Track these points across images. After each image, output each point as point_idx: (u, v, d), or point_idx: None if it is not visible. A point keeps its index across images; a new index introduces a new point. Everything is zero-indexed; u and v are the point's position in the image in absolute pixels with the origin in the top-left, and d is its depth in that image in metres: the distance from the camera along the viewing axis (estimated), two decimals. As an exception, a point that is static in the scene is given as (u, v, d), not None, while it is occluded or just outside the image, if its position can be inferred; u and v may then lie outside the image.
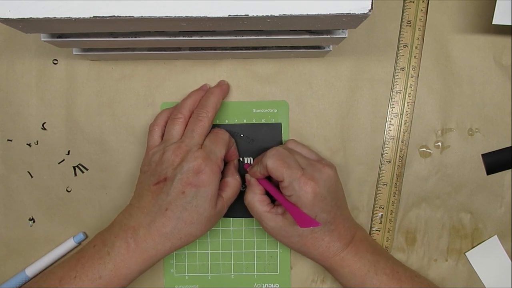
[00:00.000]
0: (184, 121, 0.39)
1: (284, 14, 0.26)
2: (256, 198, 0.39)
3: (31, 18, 0.26)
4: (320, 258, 0.39)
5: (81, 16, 0.26)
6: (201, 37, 0.33)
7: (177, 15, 0.26)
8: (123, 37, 0.32)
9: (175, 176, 0.36)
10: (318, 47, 0.39)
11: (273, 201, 0.40)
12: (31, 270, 0.43)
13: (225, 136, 0.40)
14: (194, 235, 0.37)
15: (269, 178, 0.40)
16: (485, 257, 0.44)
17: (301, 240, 0.38)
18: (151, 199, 0.37)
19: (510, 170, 0.44)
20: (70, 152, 0.44)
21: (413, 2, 0.43)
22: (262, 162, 0.38)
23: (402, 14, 0.43)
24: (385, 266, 0.39)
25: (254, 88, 0.44)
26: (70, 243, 0.43)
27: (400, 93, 0.43)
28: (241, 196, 0.44)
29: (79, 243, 0.44)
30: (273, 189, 0.39)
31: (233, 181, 0.40)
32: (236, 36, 0.33)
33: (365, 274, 0.38)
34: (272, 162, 0.37)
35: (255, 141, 0.43)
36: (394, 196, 0.44)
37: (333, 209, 0.38)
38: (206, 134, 0.39)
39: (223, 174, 0.40)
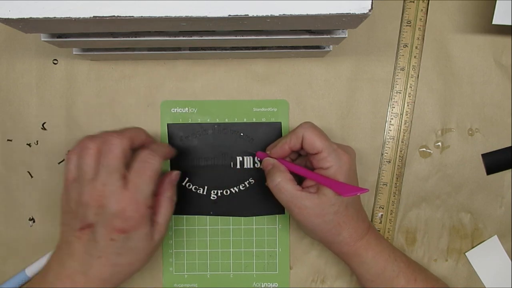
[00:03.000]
0: (97, 153, 0.33)
1: (284, 14, 0.26)
2: (287, 177, 0.36)
3: (31, 18, 0.26)
4: (348, 241, 0.37)
5: (81, 16, 0.26)
6: (201, 37, 0.33)
7: (177, 15, 0.26)
8: (123, 37, 0.32)
9: (98, 222, 0.33)
10: (318, 47, 0.39)
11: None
12: (31, 270, 0.43)
13: (155, 163, 0.34)
14: (137, 270, 0.36)
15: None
16: (485, 257, 0.44)
17: (335, 218, 0.36)
18: (81, 246, 0.33)
19: (510, 170, 0.44)
20: (70, 152, 0.44)
21: (413, 2, 0.43)
22: (296, 134, 0.37)
23: (402, 14, 0.43)
24: (401, 254, 0.39)
25: (254, 88, 0.44)
26: None
27: (400, 93, 0.43)
28: (239, 196, 0.44)
29: None
30: (300, 168, 0.38)
31: (165, 201, 0.37)
32: (236, 36, 0.33)
33: (386, 259, 0.38)
34: (311, 132, 0.36)
35: (254, 140, 0.43)
36: (394, 196, 0.44)
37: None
38: (124, 163, 0.34)
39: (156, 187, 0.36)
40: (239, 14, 0.26)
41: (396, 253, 0.39)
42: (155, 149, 0.36)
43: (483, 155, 0.44)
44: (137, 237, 0.34)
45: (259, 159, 0.41)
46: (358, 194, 0.35)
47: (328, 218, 0.36)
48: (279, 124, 0.43)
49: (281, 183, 0.36)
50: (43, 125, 0.44)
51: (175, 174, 0.39)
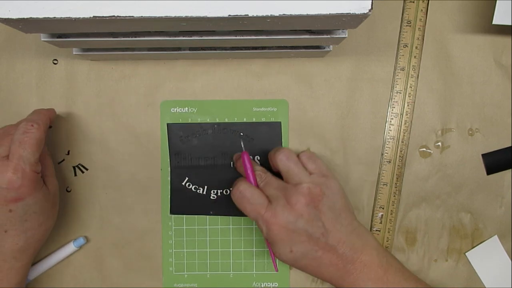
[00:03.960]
0: None
1: (284, 14, 0.26)
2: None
3: (31, 18, 0.26)
4: (333, 281, 0.37)
5: (81, 16, 0.26)
6: (201, 37, 0.33)
7: (177, 15, 0.26)
8: (123, 37, 0.32)
9: None
10: (318, 47, 0.39)
11: None
12: (31, 273, 0.43)
13: (35, 131, 0.35)
14: (51, 226, 0.38)
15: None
16: (485, 257, 0.44)
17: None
18: None
19: (510, 170, 0.44)
20: (70, 152, 0.44)
21: (413, 2, 0.43)
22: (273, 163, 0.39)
23: (402, 14, 0.43)
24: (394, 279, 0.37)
25: (254, 87, 0.44)
26: (70, 248, 0.43)
27: (400, 93, 0.43)
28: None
29: (80, 247, 0.44)
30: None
31: (45, 155, 0.39)
32: (236, 36, 0.33)
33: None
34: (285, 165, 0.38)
35: (254, 140, 0.43)
36: (394, 196, 0.44)
37: (313, 236, 0.36)
38: (6, 138, 0.35)
39: None
40: (239, 14, 0.26)
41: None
42: (33, 118, 0.36)
43: (483, 155, 0.44)
44: (34, 200, 0.35)
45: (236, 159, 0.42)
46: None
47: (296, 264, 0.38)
48: (279, 124, 0.43)
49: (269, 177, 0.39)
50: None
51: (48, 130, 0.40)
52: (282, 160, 0.38)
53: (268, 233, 0.36)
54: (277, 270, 0.35)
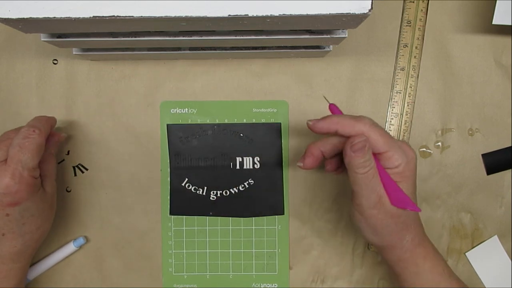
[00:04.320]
0: None
1: (284, 14, 0.26)
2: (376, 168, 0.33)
3: (31, 18, 0.26)
4: (410, 246, 0.34)
5: (81, 16, 0.26)
6: (201, 37, 0.33)
7: (177, 15, 0.26)
8: (123, 37, 0.32)
9: None
10: (318, 47, 0.39)
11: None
12: (31, 273, 0.43)
13: (36, 137, 0.35)
14: (48, 228, 0.38)
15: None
16: (485, 257, 0.44)
17: (405, 219, 0.34)
18: None
19: (510, 170, 0.44)
20: (70, 152, 0.44)
21: (413, 2, 0.43)
22: (354, 128, 0.32)
23: (402, 14, 0.43)
24: (452, 271, 0.36)
25: (254, 88, 0.44)
26: (70, 248, 0.43)
27: (400, 93, 0.43)
28: (238, 196, 0.44)
29: (80, 247, 0.44)
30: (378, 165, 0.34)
31: (48, 156, 0.39)
32: (236, 36, 0.33)
33: (441, 274, 0.35)
34: (371, 128, 0.32)
35: (254, 141, 0.43)
36: (394, 196, 0.44)
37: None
38: (5, 142, 0.35)
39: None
40: (239, 14, 0.26)
41: (449, 268, 0.36)
42: (35, 124, 0.36)
43: (483, 155, 0.44)
44: (31, 204, 0.35)
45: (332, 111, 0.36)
46: (410, 209, 0.32)
47: (399, 219, 0.33)
48: (278, 125, 0.43)
49: (371, 171, 0.32)
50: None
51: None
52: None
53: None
54: (397, 205, 0.32)
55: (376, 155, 0.33)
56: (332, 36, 0.33)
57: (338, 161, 0.37)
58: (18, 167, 0.33)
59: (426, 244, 0.36)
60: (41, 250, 0.44)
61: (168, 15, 0.26)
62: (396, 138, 0.43)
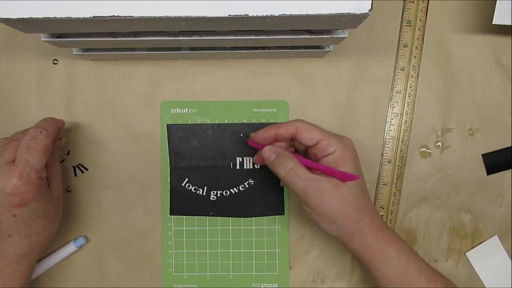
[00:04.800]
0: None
1: (284, 14, 0.26)
2: (297, 163, 0.34)
3: (31, 18, 0.26)
4: (370, 229, 0.35)
5: (81, 16, 0.26)
6: (201, 37, 0.33)
7: (177, 15, 0.26)
8: (123, 37, 0.32)
9: None
10: (318, 47, 0.39)
11: None
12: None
13: (43, 138, 0.35)
14: (55, 229, 0.38)
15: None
16: (485, 257, 0.44)
17: (355, 202, 0.34)
18: None
19: (510, 170, 0.44)
20: (70, 152, 0.44)
21: (413, 2, 0.43)
22: (287, 124, 0.35)
23: (402, 14, 0.43)
24: (417, 253, 0.37)
25: (254, 88, 0.44)
26: (70, 248, 0.43)
27: (400, 93, 0.43)
28: (238, 196, 0.44)
29: (80, 247, 0.44)
30: (302, 158, 0.36)
31: (53, 160, 0.38)
32: (236, 36, 0.33)
33: (407, 257, 0.35)
34: (305, 124, 0.35)
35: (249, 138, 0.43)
36: (394, 196, 0.44)
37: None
38: (13, 143, 0.35)
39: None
40: (239, 14, 0.26)
41: (414, 251, 0.36)
42: (42, 125, 0.36)
43: (483, 155, 0.44)
44: (38, 205, 0.35)
45: (250, 145, 0.39)
46: (354, 180, 0.34)
47: (348, 201, 0.34)
48: (279, 124, 0.43)
49: (295, 168, 0.34)
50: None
51: (63, 141, 0.41)
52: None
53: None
54: (346, 180, 0.33)
55: (313, 147, 0.35)
56: (332, 36, 0.33)
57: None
58: (26, 168, 0.33)
59: (387, 229, 0.36)
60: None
61: (168, 15, 0.26)
62: (396, 138, 0.44)
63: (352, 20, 0.28)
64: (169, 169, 0.44)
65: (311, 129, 0.35)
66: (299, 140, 0.36)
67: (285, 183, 0.35)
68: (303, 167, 0.34)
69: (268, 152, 0.36)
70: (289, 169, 0.34)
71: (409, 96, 0.43)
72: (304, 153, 0.39)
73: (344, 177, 0.34)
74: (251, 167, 0.44)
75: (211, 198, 0.44)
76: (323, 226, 0.36)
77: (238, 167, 0.43)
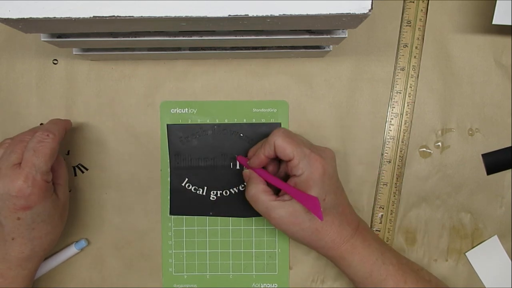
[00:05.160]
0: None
1: (284, 14, 0.26)
2: (260, 189, 0.37)
3: (31, 18, 0.26)
4: (331, 245, 0.37)
5: (81, 16, 0.26)
6: (201, 37, 0.33)
7: (177, 15, 0.26)
8: (123, 37, 0.32)
9: (0, 207, 0.34)
10: (318, 47, 0.39)
11: (275, 192, 0.39)
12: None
13: (50, 141, 0.35)
14: (58, 235, 0.38)
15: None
16: (485, 257, 0.44)
17: (312, 225, 0.36)
18: None
19: (510, 170, 0.44)
20: (70, 152, 0.44)
21: (413, 2, 0.43)
22: (268, 142, 0.37)
23: (402, 14, 0.43)
24: (391, 256, 0.38)
25: (254, 88, 0.44)
26: (71, 250, 0.43)
27: (400, 93, 0.43)
28: (238, 196, 0.44)
29: (81, 250, 0.44)
30: (275, 178, 0.38)
31: (59, 163, 0.38)
32: (236, 36, 0.33)
33: (373, 263, 0.37)
34: (282, 140, 0.36)
35: (254, 141, 0.43)
36: (394, 196, 0.44)
37: (339, 190, 0.38)
38: (19, 145, 0.35)
39: None
40: (239, 14, 0.26)
41: (385, 255, 0.38)
42: (49, 128, 0.36)
43: (483, 155, 0.44)
44: (43, 209, 0.35)
45: (239, 163, 0.42)
46: (313, 213, 0.34)
47: (304, 225, 0.36)
48: (278, 125, 0.43)
49: (255, 194, 0.37)
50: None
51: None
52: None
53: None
54: (310, 209, 0.35)
55: (287, 163, 0.37)
56: (332, 36, 0.33)
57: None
58: (32, 171, 0.33)
59: (354, 240, 0.37)
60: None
61: (168, 15, 0.26)
62: (396, 138, 0.44)
63: (352, 20, 0.28)
64: (169, 169, 0.44)
65: (285, 145, 0.36)
66: (276, 154, 0.37)
67: (251, 204, 0.38)
68: (265, 193, 0.37)
69: (244, 175, 0.40)
70: (252, 194, 0.37)
71: (409, 96, 0.43)
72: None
73: (306, 204, 0.35)
74: (251, 167, 0.44)
75: (211, 198, 0.44)
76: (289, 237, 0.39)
77: (238, 167, 0.43)
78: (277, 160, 0.40)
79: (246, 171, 0.40)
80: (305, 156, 0.36)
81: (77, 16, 0.26)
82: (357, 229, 0.38)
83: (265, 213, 0.37)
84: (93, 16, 0.26)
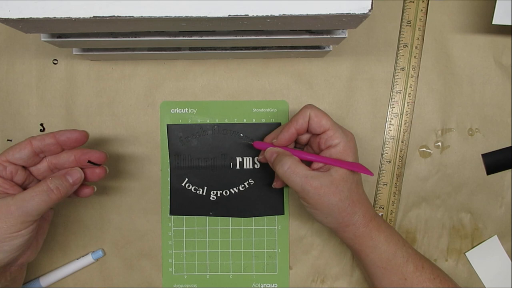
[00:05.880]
0: None
1: (284, 14, 0.26)
2: (295, 160, 0.36)
3: (31, 18, 0.26)
4: (362, 221, 0.36)
5: (81, 16, 0.26)
6: (201, 37, 0.33)
7: (177, 15, 0.26)
8: (123, 37, 0.32)
9: None
10: (318, 47, 0.39)
11: None
12: (45, 281, 0.43)
13: (54, 199, 0.34)
14: (18, 249, 0.35)
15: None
16: (485, 257, 0.44)
17: (350, 195, 0.36)
18: None
19: (510, 170, 0.44)
20: (70, 152, 0.44)
21: (413, 2, 0.43)
22: (302, 114, 0.36)
23: (402, 14, 0.43)
24: (406, 241, 0.38)
25: (254, 88, 0.44)
26: (88, 259, 0.44)
27: (400, 93, 0.43)
28: (238, 196, 0.44)
29: (97, 260, 0.44)
30: (306, 153, 0.37)
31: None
32: (236, 36, 0.33)
33: (396, 242, 0.37)
34: (316, 111, 0.36)
35: (254, 141, 0.43)
36: (394, 196, 0.44)
37: None
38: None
39: None
40: (239, 14, 0.26)
41: (403, 238, 0.38)
42: (57, 184, 0.35)
43: (483, 155, 0.44)
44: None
45: (256, 148, 0.40)
46: (364, 173, 0.36)
47: (343, 195, 0.35)
48: (278, 125, 0.43)
49: (292, 166, 0.35)
50: (41, 125, 0.44)
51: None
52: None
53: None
54: (357, 170, 0.36)
55: (318, 136, 0.37)
56: (332, 36, 0.34)
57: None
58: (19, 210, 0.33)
59: (378, 219, 0.38)
60: (41, 249, 0.44)
61: (168, 15, 0.26)
62: (396, 138, 0.44)
63: (352, 20, 0.28)
64: (169, 169, 0.44)
65: (321, 115, 0.36)
66: (309, 127, 0.37)
67: (284, 180, 0.36)
68: (301, 165, 0.36)
69: (269, 153, 0.38)
70: (287, 167, 0.36)
71: (409, 96, 0.43)
72: (302, 147, 0.41)
73: (353, 168, 0.36)
74: (251, 167, 0.44)
75: (211, 198, 0.44)
76: (319, 218, 0.37)
77: (238, 167, 0.43)
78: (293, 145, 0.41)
79: (272, 149, 0.38)
80: (339, 127, 0.36)
81: (77, 16, 0.26)
82: (375, 210, 0.39)
83: (304, 184, 0.35)
84: (93, 16, 0.26)
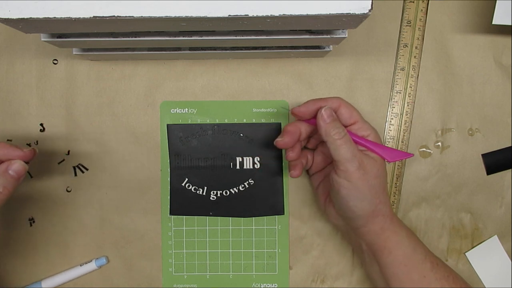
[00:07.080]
0: None
1: (284, 14, 0.26)
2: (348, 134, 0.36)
3: (31, 18, 0.26)
4: (389, 213, 0.36)
5: (81, 16, 0.26)
6: (201, 37, 0.33)
7: (177, 15, 0.26)
8: (123, 37, 0.32)
9: None
10: (318, 47, 0.39)
11: None
12: (47, 283, 0.43)
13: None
14: None
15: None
16: (485, 257, 0.44)
17: (384, 182, 0.36)
18: None
19: (510, 170, 0.44)
20: (70, 152, 0.44)
21: (413, 2, 0.43)
22: (332, 100, 0.37)
23: (402, 14, 0.43)
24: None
25: (254, 88, 0.44)
26: (91, 266, 0.44)
27: (400, 93, 0.43)
28: (238, 196, 0.44)
29: (100, 267, 0.44)
30: (351, 132, 0.37)
31: None
32: (236, 36, 0.33)
33: (415, 240, 0.37)
34: (347, 103, 0.37)
35: (254, 141, 0.43)
36: (394, 196, 0.44)
37: None
38: None
39: None
40: (239, 14, 0.26)
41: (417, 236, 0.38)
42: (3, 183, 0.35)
43: (483, 155, 0.44)
44: None
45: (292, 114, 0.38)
46: (405, 158, 0.37)
47: (381, 180, 0.35)
48: (278, 125, 0.43)
49: (347, 135, 0.35)
50: (41, 125, 0.44)
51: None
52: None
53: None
54: (391, 160, 0.36)
55: (349, 127, 0.37)
56: (332, 36, 0.33)
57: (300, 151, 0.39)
58: None
59: (394, 214, 0.38)
60: (41, 250, 0.44)
61: (168, 15, 0.26)
62: (396, 138, 0.44)
63: (352, 20, 0.28)
64: (169, 169, 0.44)
65: (352, 107, 0.37)
66: (339, 116, 0.37)
67: (335, 147, 0.34)
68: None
69: (328, 111, 0.36)
70: (344, 134, 0.35)
71: (409, 96, 0.43)
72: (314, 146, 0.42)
73: (400, 155, 0.37)
74: (251, 167, 0.44)
75: (211, 198, 0.44)
76: (353, 203, 0.35)
77: (238, 167, 0.43)
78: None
79: (329, 111, 0.36)
80: (365, 120, 0.37)
81: (77, 16, 0.26)
82: None
83: (354, 156, 0.34)
84: (93, 16, 0.26)
